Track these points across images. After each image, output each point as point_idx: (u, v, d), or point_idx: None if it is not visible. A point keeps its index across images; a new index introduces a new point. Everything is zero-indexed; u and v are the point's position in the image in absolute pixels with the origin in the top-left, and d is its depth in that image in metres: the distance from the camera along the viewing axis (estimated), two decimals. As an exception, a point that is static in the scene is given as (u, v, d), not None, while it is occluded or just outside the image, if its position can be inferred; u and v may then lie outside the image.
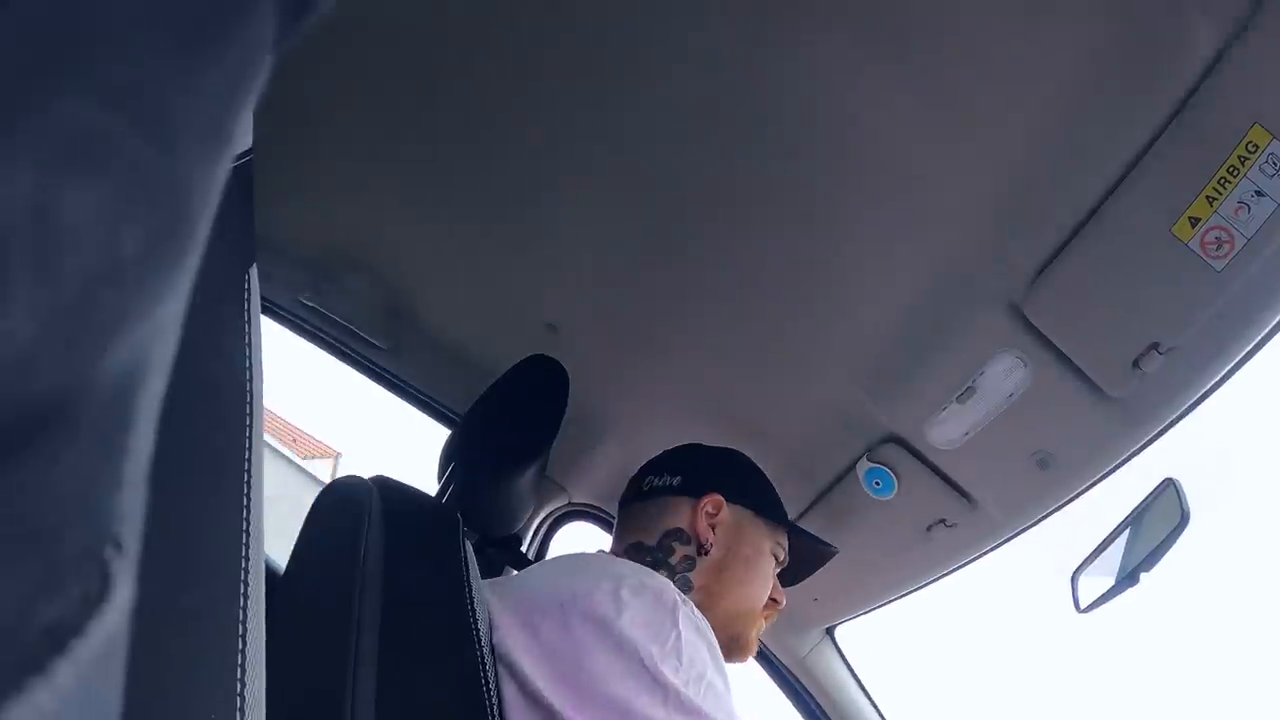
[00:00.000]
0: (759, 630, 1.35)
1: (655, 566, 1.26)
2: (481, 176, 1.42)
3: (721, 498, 1.33)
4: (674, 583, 1.24)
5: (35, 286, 0.15)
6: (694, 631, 1.04)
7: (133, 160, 0.16)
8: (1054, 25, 0.94)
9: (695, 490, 1.34)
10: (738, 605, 1.30)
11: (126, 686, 0.20)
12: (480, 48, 1.22)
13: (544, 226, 1.47)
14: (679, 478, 1.36)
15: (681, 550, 1.29)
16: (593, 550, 1.36)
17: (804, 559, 1.46)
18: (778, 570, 1.38)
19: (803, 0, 1.01)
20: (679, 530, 1.30)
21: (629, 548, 1.32)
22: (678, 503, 1.33)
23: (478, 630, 1.04)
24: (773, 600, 1.36)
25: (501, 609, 1.10)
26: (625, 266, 1.46)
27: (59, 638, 0.17)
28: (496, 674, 1.03)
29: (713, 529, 1.30)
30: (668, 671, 0.97)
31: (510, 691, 1.02)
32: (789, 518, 1.44)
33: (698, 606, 1.24)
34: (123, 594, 0.18)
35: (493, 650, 1.06)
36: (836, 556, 1.47)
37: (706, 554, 1.29)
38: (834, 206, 1.20)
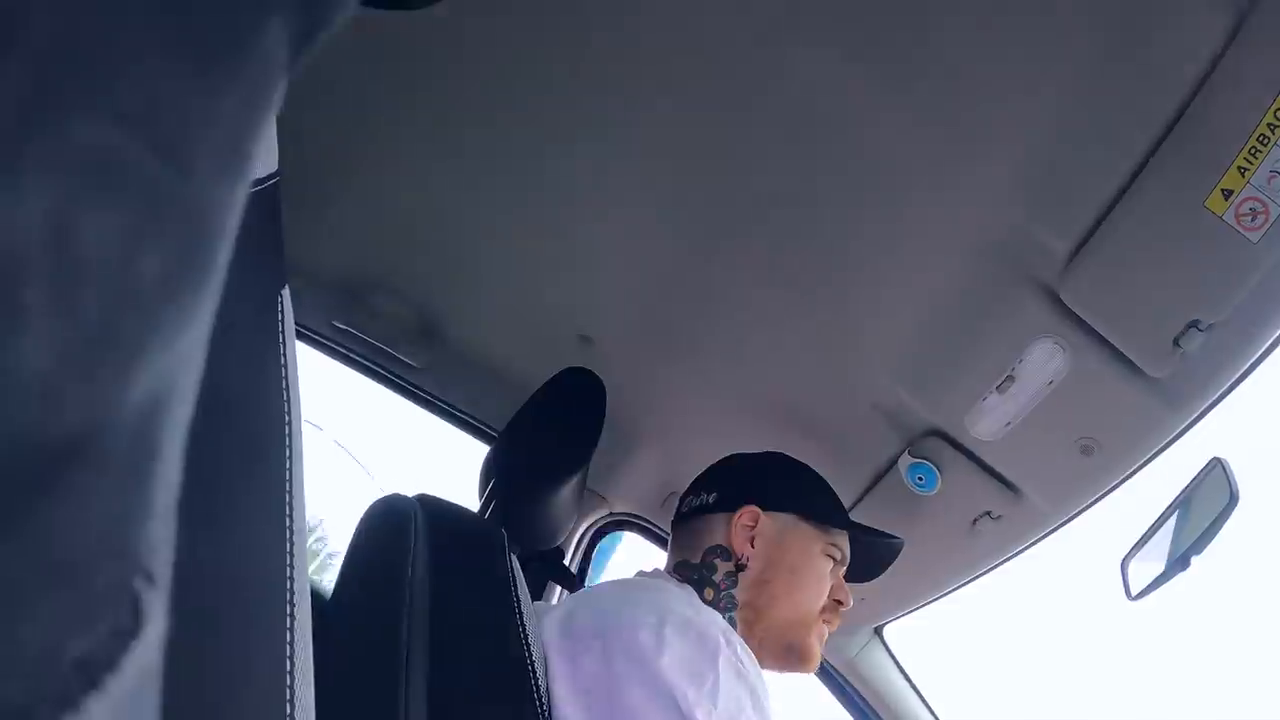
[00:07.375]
0: (821, 636, 1.32)
1: (701, 585, 1.26)
2: (508, 192, 1.42)
3: (757, 508, 1.31)
4: (720, 600, 1.24)
5: (55, 316, 0.14)
6: (734, 675, 1.02)
7: (150, 183, 0.16)
8: (1071, 5, 0.93)
9: (730, 505, 1.32)
10: (788, 615, 1.28)
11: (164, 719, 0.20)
12: (507, 65, 1.23)
13: (574, 239, 1.47)
14: (714, 494, 1.35)
15: (724, 567, 1.28)
16: (649, 569, 1.35)
17: (872, 555, 1.43)
18: (840, 570, 1.35)
19: (823, 2, 1.01)
20: (719, 547, 1.29)
21: (676, 565, 1.32)
22: (715, 519, 1.32)
23: (531, 657, 1.03)
24: (836, 602, 1.33)
25: (548, 636, 1.10)
26: (657, 275, 1.46)
27: (91, 673, 0.16)
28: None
29: (751, 542, 1.29)
30: (700, 716, 0.96)
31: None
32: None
33: (745, 622, 1.24)
34: (155, 626, 0.18)
35: (546, 677, 1.05)
36: None
37: (745, 568, 1.27)
38: (863, 203, 1.19)
